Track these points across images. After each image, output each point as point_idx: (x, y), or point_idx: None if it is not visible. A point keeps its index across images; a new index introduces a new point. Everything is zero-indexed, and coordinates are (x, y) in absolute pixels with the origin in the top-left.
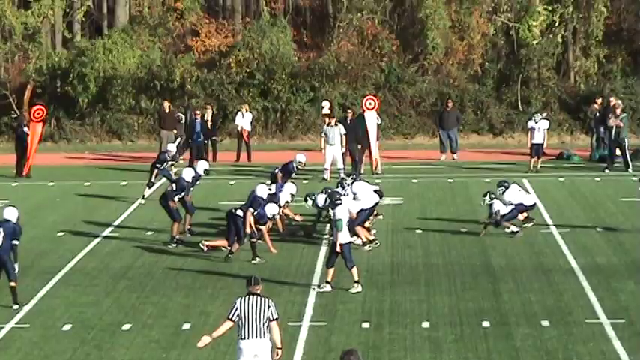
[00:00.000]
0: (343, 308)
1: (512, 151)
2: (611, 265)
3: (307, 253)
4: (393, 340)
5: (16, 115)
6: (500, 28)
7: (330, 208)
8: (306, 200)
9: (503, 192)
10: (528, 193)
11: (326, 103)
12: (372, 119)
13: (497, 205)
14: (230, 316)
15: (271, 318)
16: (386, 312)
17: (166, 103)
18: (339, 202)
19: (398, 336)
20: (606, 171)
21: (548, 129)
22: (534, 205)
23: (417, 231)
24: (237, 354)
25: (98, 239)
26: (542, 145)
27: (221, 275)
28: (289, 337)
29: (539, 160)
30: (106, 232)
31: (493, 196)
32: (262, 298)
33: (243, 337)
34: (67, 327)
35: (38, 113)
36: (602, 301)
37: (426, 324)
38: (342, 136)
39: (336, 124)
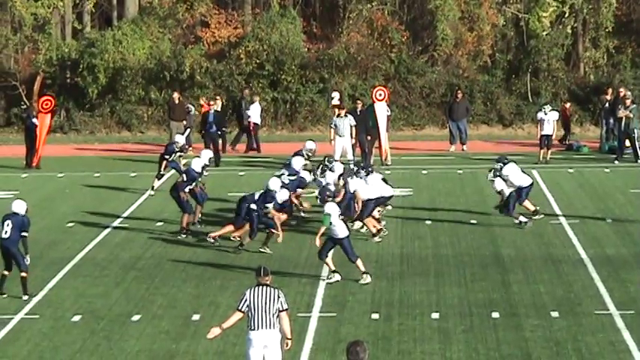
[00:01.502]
0: (353, 299)
1: (522, 142)
2: (621, 256)
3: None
4: (402, 331)
5: (25, 106)
6: (509, 19)
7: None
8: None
9: (501, 168)
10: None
11: (336, 94)
12: (382, 110)
13: (499, 184)
14: (240, 308)
15: (281, 309)
16: (395, 303)
17: (176, 94)
18: (329, 198)
19: (407, 327)
20: (616, 162)
21: (557, 120)
22: (532, 184)
23: (427, 222)
24: (247, 345)
25: (108, 230)
26: (551, 136)
27: (230, 266)
28: (299, 328)
29: (549, 151)
30: (116, 222)
31: (498, 173)
32: (272, 289)
33: (252, 327)
34: (76, 318)
35: (46, 104)
36: (611, 292)
37: (435, 315)
38: (351, 127)
39: (345, 115)
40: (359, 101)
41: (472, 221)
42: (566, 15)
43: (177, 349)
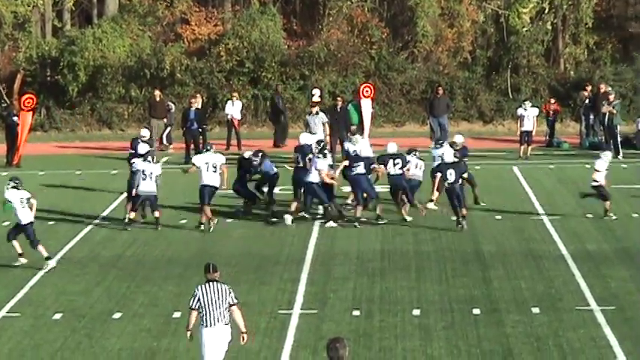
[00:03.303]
0: (334, 296)
1: (502, 138)
2: (602, 251)
3: (298, 241)
4: (383, 327)
5: (5, 105)
6: (489, 15)
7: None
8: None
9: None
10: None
11: (316, 91)
12: (367, 107)
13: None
14: (192, 306)
15: (232, 303)
16: (376, 299)
17: (157, 92)
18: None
19: (388, 324)
20: (619, 157)
21: (537, 116)
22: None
23: (408, 218)
24: (203, 341)
25: (88, 228)
26: (531, 132)
27: None
28: (280, 325)
29: (529, 148)
30: (97, 220)
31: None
32: (221, 285)
33: (206, 324)
34: (57, 316)
35: (28, 102)
36: (592, 287)
37: (416, 311)
38: (323, 124)
39: (317, 113)
40: (339, 98)
41: (452, 217)
42: (546, 11)
43: (158, 347)
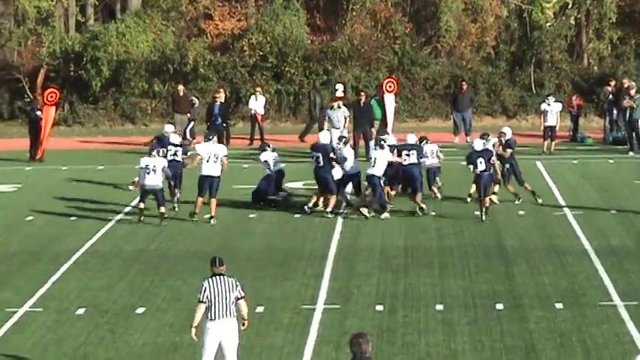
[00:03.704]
0: (357, 292)
1: (526, 133)
2: (625, 247)
3: (321, 236)
4: (406, 323)
5: (29, 99)
6: (513, 10)
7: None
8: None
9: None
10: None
11: (340, 86)
12: (390, 102)
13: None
14: (202, 299)
15: (239, 296)
16: (400, 295)
17: (180, 87)
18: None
19: (411, 319)
20: (631, 153)
21: (561, 111)
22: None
23: (431, 213)
24: (206, 334)
25: (111, 223)
26: (555, 127)
27: (234, 258)
28: (303, 321)
29: (553, 143)
30: (119, 215)
31: None
32: (228, 278)
33: (212, 318)
34: (80, 311)
35: (51, 96)
36: (615, 283)
37: (439, 307)
38: (345, 118)
39: (339, 107)
40: (362, 93)
41: (476, 212)
42: (570, 6)
43: (181, 341)
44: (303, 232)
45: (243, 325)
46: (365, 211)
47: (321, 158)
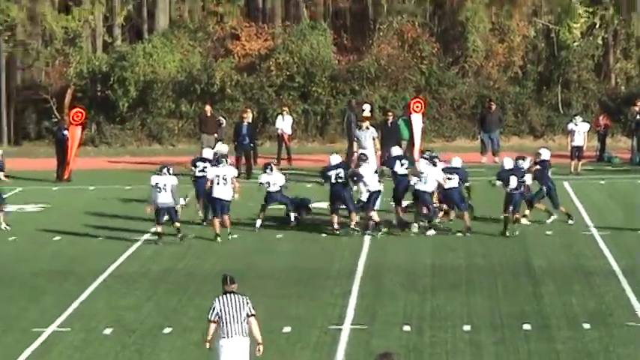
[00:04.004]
0: (384, 311)
1: (553, 153)
2: None
3: (348, 255)
4: (434, 343)
5: (56, 119)
6: (540, 30)
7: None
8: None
9: None
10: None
11: (367, 106)
12: (418, 122)
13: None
14: (211, 318)
15: (249, 314)
16: (427, 315)
17: (208, 107)
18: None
19: (439, 339)
20: None
21: (588, 131)
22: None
23: (459, 234)
24: (219, 352)
25: (139, 243)
26: (582, 147)
27: (261, 278)
28: (330, 340)
29: (580, 163)
30: (147, 235)
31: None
32: (239, 296)
33: (224, 336)
34: (107, 331)
35: (77, 116)
36: None
37: (467, 327)
38: (373, 139)
39: (367, 128)
40: (390, 113)
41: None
42: (597, 26)
43: None
44: (331, 251)
45: (259, 350)
46: (415, 227)
47: (342, 173)
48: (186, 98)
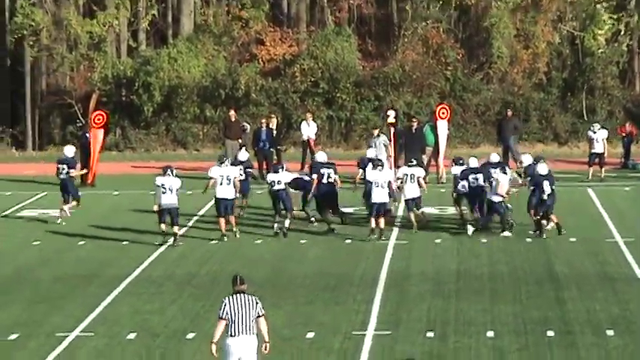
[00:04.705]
0: (408, 317)
1: (578, 160)
2: None
3: (372, 261)
4: (457, 349)
5: (81, 124)
6: (565, 36)
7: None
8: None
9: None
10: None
11: (391, 112)
12: (443, 128)
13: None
14: (222, 316)
15: (259, 314)
16: (451, 321)
17: (232, 112)
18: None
19: (462, 345)
20: None
21: (607, 138)
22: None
23: (482, 240)
24: (226, 351)
25: (163, 247)
26: (602, 154)
27: (286, 284)
28: (354, 346)
29: (603, 169)
30: (171, 240)
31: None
32: (249, 296)
33: (232, 334)
34: (131, 335)
35: (98, 119)
36: None
37: (490, 333)
38: (385, 146)
39: (378, 135)
40: (414, 119)
41: (527, 239)
42: (622, 33)
43: None
44: (355, 257)
45: (265, 348)
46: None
47: (332, 174)
48: (210, 103)
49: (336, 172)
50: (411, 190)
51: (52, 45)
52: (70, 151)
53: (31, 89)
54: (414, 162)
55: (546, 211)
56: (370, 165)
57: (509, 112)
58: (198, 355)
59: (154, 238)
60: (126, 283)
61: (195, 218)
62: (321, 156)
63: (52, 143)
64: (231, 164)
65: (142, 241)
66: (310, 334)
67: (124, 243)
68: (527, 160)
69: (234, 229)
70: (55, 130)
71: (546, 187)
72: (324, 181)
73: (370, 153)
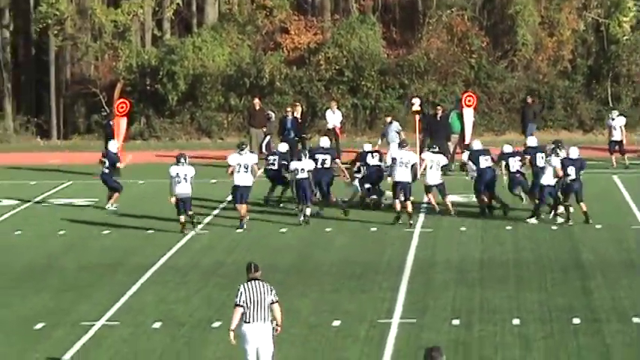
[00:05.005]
0: (433, 305)
1: (603, 147)
2: None
3: (398, 249)
4: (482, 337)
5: (105, 113)
6: (590, 24)
7: None
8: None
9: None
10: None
11: (416, 100)
12: (469, 116)
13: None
14: (239, 303)
15: (273, 301)
16: (476, 309)
17: (256, 101)
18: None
19: (488, 333)
20: None
21: (625, 125)
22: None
23: (507, 227)
24: (242, 338)
25: (188, 236)
26: (621, 141)
27: (312, 272)
28: (379, 335)
29: (625, 156)
30: (197, 229)
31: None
32: (263, 283)
33: (248, 321)
34: (157, 324)
35: (121, 107)
36: None
37: (516, 321)
38: (397, 133)
39: (391, 122)
40: (439, 107)
41: (553, 227)
42: None
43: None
44: (381, 245)
45: (277, 330)
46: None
47: (328, 160)
48: (235, 92)
49: (334, 159)
50: (433, 177)
51: (77, 34)
52: (112, 146)
53: (56, 78)
54: (437, 148)
55: (573, 197)
56: (394, 146)
57: (529, 99)
58: (222, 344)
59: (178, 227)
60: (151, 271)
61: (222, 206)
62: (323, 141)
63: (76, 132)
64: (269, 154)
65: (167, 229)
66: (336, 322)
67: (149, 232)
68: (531, 142)
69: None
70: (80, 119)
71: (571, 171)
72: (319, 166)
73: (367, 147)
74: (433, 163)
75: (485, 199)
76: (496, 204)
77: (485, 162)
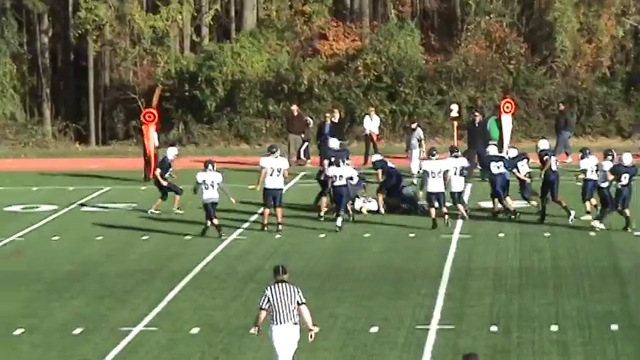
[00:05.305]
0: (471, 312)
1: None
2: None
3: (435, 255)
4: (521, 344)
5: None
6: (628, 30)
7: None
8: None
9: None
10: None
11: (454, 106)
12: (507, 122)
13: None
14: (262, 306)
15: (300, 302)
16: (514, 316)
17: (295, 107)
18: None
19: (526, 340)
20: None
21: None
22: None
23: (546, 234)
24: (272, 338)
25: (226, 242)
26: None
27: (350, 278)
28: (417, 341)
29: None
30: (234, 234)
31: None
32: (290, 285)
33: (276, 322)
34: (195, 330)
35: (149, 116)
36: None
37: (554, 327)
38: (419, 140)
39: (414, 130)
40: (477, 113)
41: (591, 233)
42: None
43: None
44: (418, 251)
45: (311, 336)
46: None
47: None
48: (273, 98)
49: (344, 161)
50: (458, 183)
51: (116, 40)
52: (170, 153)
53: (95, 84)
54: (458, 153)
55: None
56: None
57: (562, 106)
58: (260, 351)
59: (216, 233)
60: (189, 277)
61: (260, 211)
62: (332, 142)
63: (115, 138)
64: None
65: (205, 235)
66: (374, 328)
67: (187, 238)
68: (543, 145)
69: (280, 221)
70: (119, 125)
71: (624, 179)
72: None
73: (376, 157)
74: (456, 169)
75: (537, 202)
76: (504, 207)
77: (496, 169)
